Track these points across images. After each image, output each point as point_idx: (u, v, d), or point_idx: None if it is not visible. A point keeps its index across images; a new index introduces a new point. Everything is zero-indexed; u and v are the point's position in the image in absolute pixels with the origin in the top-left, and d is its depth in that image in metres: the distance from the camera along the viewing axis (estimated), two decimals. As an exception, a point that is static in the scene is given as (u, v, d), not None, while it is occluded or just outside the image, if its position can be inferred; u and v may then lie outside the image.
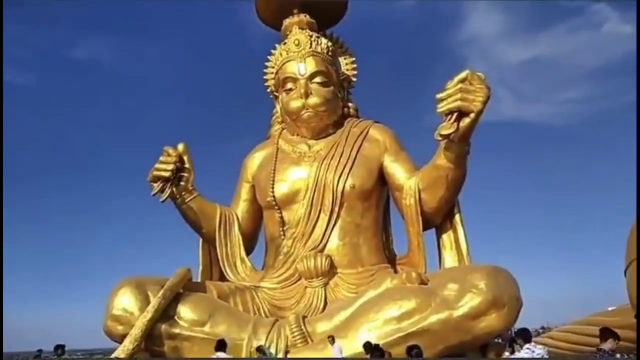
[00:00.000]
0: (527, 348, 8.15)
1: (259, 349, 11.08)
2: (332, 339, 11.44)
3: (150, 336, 11.62)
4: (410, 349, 9.27)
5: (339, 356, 11.15)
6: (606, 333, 6.55)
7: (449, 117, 11.44)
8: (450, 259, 13.79)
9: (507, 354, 9.31)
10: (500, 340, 12.48)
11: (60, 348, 11.10)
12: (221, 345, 10.74)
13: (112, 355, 11.16)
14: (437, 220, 14.21)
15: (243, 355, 11.70)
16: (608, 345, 6.46)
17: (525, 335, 8.37)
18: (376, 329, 11.22)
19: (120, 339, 11.69)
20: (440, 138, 11.82)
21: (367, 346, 10.39)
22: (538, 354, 8.13)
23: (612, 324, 6.80)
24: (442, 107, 11.42)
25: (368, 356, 10.19)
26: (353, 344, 11.10)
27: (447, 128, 11.44)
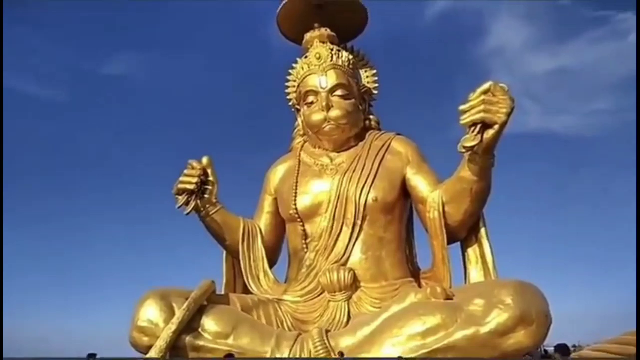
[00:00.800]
0: None
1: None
2: (341, 354, 11.39)
3: (175, 348, 11.65)
4: None
5: None
6: None
7: (473, 129, 11.28)
8: (476, 274, 13.48)
9: None
10: (530, 358, 12.15)
11: (92, 357, 11.23)
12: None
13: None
14: (462, 234, 13.96)
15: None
16: None
17: (563, 351, 8.16)
18: (400, 345, 10.98)
19: (145, 350, 11.77)
20: (464, 150, 11.64)
21: None
22: None
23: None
24: (466, 119, 11.26)
25: None
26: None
27: (470, 140, 11.28)
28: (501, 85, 11.71)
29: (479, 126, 11.56)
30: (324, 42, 17.53)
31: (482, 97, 11.32)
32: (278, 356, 11.95)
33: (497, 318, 11.02)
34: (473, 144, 11.83)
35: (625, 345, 6.86)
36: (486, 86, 11.83)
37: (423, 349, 11.20)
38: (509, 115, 11.45)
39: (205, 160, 15.46)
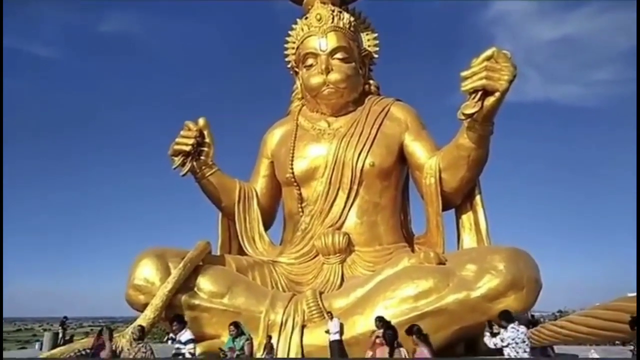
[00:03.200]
0: (512, 327, 8.89)
1: (236, 324, 10.66)
2: (331, 315, 11.65)
3: (171, 306, 11.90)
4: (410, 329, 9.54)
5: (334, 330, 11.37)
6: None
7: (473, 95, 11.17)
8: (469, 240, 13.69)
9: (487, 335, 9.46)
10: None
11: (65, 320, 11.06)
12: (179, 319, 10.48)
13: (134, 324, 11.46)
14: (457, 201, 14.07)
15: (261, 328, 11.91)
16: None
17: (507, 317, 9.10)
18: (392, 307, 11.27)
19: (141, 308, 12.01)
20: (463, 117, 11.57)
21: (382, 320, 10.46)
22: (522, 332, 8.88)
23: (634, 310, 6.71)
24: (467, 85, 11.14)
25: (377, 330, 10.36)
26: (369, 321, 11.18)
27: (470, 107, 11.19)
28: (504, 51, 11.50)
29: (479, 93, 11.45)
30: (324, 3, 17.04)
31: (485, 64, 11.16)
32: (272, 316, 12.23)
33: (488, 283, 11.24)
34: (473, 110, 11.73)
35: (614, 312, 7.02)
36: (489, 52, 11.62)
37: (414, 312, 11.46)
38: (510, 82, 11.30)
39: (201, 121, 15.31)
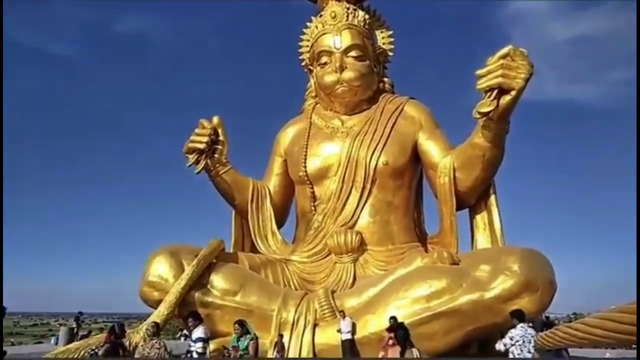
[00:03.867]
0: (522, 327, 9.15)
1: (240, 322, 10.59)
2: (343, 314, 11.62)
3: (184, 303, 12.01)
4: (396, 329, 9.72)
5: (346, 330, 11.35)
6: None
7: (489, 94, 11.02)
8: (483, 241, 13.53)
9: (499, 342, 9.49)
10: (531, 324, 12.30)
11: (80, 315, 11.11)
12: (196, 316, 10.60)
13: (148, 320, 11.59)
14: (472, 201, 13.92)
15: (273, 326, 11.95)
16: None
17: (519, 316, 9.33)
18: (405, 307, 11.21)
19: (155, 304, 12.13)
20: (478, 116, 11.43)
21: (394, 321, 10.46)
22: (530, 332, 9.05)
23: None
24: (482, 83, 11.00)
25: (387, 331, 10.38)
26: (381, 320, 11.15)
27: (486, 105, 11.05)
28: (520, 50, 11.32)
29: (495, 91, 11.27)
30: (339, 1, 16.89)
31: (501, 62, 10.99)
32: (284, 314, 12.26)
33: (503, 284, 11.11)
34: (489, 109, 11.57)
35: (630, 315, 6.87)
36: (505, 50, 11.45)
37: (427, 312, 11.38)
38: (527, 80, 11.12)
39: (215, 119, 15.39)
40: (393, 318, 10.63)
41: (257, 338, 10.58)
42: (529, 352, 8.77)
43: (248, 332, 10.48)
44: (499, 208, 13.58)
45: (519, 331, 9.00)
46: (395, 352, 9.57)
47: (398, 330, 9.74)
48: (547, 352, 11.01)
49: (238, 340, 10.35)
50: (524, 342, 8.90)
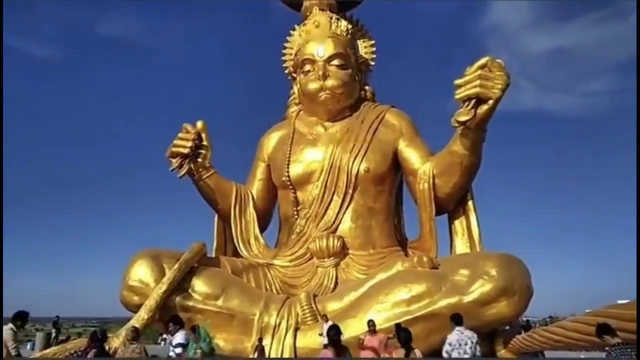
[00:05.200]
0: (457, 330, 9.51)
1: (193, 328, 10.43)
2: (325, 317, 11.72)
3: (165, 307, 11.94)
4: (399, 331, 9.86)
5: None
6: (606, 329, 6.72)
7: (467, 103, 11.36)
8: (461, 246, 13.85)
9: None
10: (508, 328, 12.56)
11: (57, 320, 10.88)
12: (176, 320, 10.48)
13: (128, 324, 11.48)
14: (450, 206, 14.24)
15: (254, 330, 11.98)
16: (617, 339, 6.60)
17: (456, 319, 9.63)
18: (385, 311, 11.38)
19: (135, 309, 12.03)
20: (457, 124, 11.77)
21: (372, 325, 10.67)
22: (466, 335, 9.42)
23: (627, 317, 6.79)
24: (460, 93, 11.35)
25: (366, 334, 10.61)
26: (362, 324, 11.26)
27: (464, 114, 11.38)
28: (498, 60, 11.74)
29: (473, 101, 11.65)
30: (323, 10, 17.25)
31: (478, 72, 11.37)
32: (266, 318, 12.28)
33: (481, 288, 11.39)
34: (466, 118, 11.93)
35: (604, 318, 7.11)
36: (483, 61, 11.85)
37: (407, 315, 11.57)
38: (503, 91, 11.53)
39: (199, 124, 15.41)
40: (371, 321, 10.80)
41: (211, 349, 10.21)
42: (465, 353, 9.19)
43: (206, 340, 10.11)
44: (476, 213, 13.93)
45: (455, 335, 9.43)
46: (399, 354, 9.73)
47: (400, 333, 9.88)
48: (524, 354, 11.30)
49: (189, 344, 10.10)
50: (460, 345, 9.28)
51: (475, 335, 9.55)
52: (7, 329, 9.62)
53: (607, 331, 6.77)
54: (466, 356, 9.20)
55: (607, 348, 6.86)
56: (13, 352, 9.50)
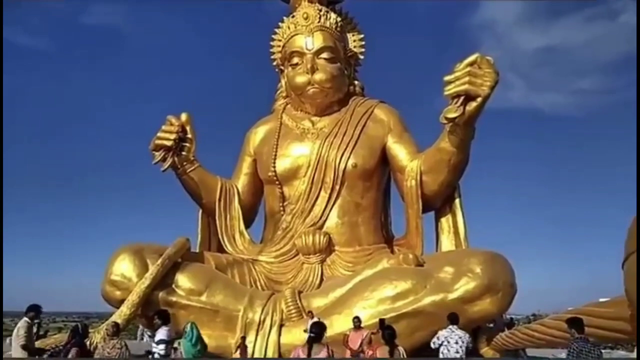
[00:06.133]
0: (449, 328, 9.77)
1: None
2: (311, 314, 11.66)
3: (148, 303, 11.77)
4: (384, 329, 9.97)
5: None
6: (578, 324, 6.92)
7: (456, 100, 11.32)
8: (447, 243, 13.84)
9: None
10: (492, 325, 12.65)
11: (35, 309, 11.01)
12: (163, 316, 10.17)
13: (109, 320, 11.29)
14: (437, 204, 14.22)
15: (238, 326, 11.87)
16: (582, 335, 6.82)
17: (451, 318, 9.88)
18: (370, 308, 11.37)
19: (117, 304, 11.84)
20: (445, 121, 11.72)
21: (358, 321, 10.66)
22: (457, 334, 9.68)
23: (608, 315, 6.84)
24: (449, 89, 11.29)
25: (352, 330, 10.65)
26: (347, 320, 11.22)
27: (453, 111, 11.33)
28: (487, 57, 11.67)
29: (462, 98, 11.59)
30: (312, 2, 16.94)
31: (468, 69, 11.29)
32: (250, 314, 12.18)
33: (465, 285, 11.40)
34: (455, 115, 11.86)
35: (587, 317, 7.17)
36: (472, 58, 11.76)
37: (392, 312, 11.54)
38: (492, 88, 11.47)
39: (184, 116, 15.12)
40: (357, 318, 10.78)
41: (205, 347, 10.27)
42: (457, 352, 9.49)
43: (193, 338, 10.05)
44: (463, 211, 13.93)
45: (445, 332, 9.73)
46: (383, 352, 9.74)
47: (385, 330, 9.90)
48: (507, 352, 11.38)
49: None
50: (449, 342, 9.59)
51: (467, 335, 9.77)
52: (22, 321, 10.14)
53: (577, 326, 6.95)
54: (457, 355, 9.40)
55: (569, 341, 7.07)
56: (22, 342, 9.84)
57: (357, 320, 10.76)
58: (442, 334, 9.75)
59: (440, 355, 9.68)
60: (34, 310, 10.34)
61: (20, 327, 10.01)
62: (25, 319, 10.18)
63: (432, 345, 9.86)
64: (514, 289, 11.36)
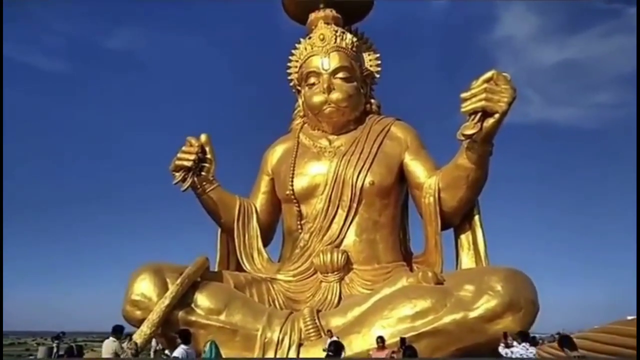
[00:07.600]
0: (524, 346, 10.10)
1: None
2: (330, 333, 11.56)
3: (167, 322, 11.85)
4: (405, 348, 9.90)
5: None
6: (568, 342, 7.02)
7: (473, 117, 11.31)
8: (467, 260, 13.67)
9: (502, 345, 10.52)
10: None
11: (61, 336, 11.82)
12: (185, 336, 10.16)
13: (131, 339, 11.40)
14: (456, 221, 14.09)
15: (257, 346, 11.83)
16: (576, 353, 6.89)
17: (522, 336, 10.23)
18: (390, 327, 11.23)
19: (138, 323, 11.95)
20: (463, 138, 11.71)
21: (381, 341, 10.55)
22: (530, 352, 10.06)
23: (632, 333, 6.70)
24: (466, 106, 11.30)
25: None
26: (366, 339, 11.14)
27: (470, 128, 11.32)
28: (504, 74, 11.68)
29: (479, 114, 11.58)
30: (328, 23, 17.32)
31: (484, 85, 11.30)
32: (269, 334, 12.14)
33: (486, 304, 11.22)
34: (472, 131, 11.85)
35: (612, 335, 7.01)
36: (489, 74, 11.79)
37: (412, 331, 11.39)
38: (510, 104, 11.45)
39: (203, 137, 15.41)
40: (380, 337, 10.67)
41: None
42: None
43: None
44: (482, 228, 13.76)
45: (520, 349, 10.00)
46: None
47: (406, 350, 9.77)
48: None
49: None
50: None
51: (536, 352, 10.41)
52: (110, 341, 11.31)
53: (568, 344, 6.93)
54: None
55: None
56: (124, 355, 11.09)
57: (380, 340, 10.65)
58: (516, 350, 10.07)
59: None
60: (118, 332, 11.48)
61: (117, 349, 11.07)
62: (112, 339, 11.27)
63: (504, 353, 10.21)
64: (535, 306, 11.13)
